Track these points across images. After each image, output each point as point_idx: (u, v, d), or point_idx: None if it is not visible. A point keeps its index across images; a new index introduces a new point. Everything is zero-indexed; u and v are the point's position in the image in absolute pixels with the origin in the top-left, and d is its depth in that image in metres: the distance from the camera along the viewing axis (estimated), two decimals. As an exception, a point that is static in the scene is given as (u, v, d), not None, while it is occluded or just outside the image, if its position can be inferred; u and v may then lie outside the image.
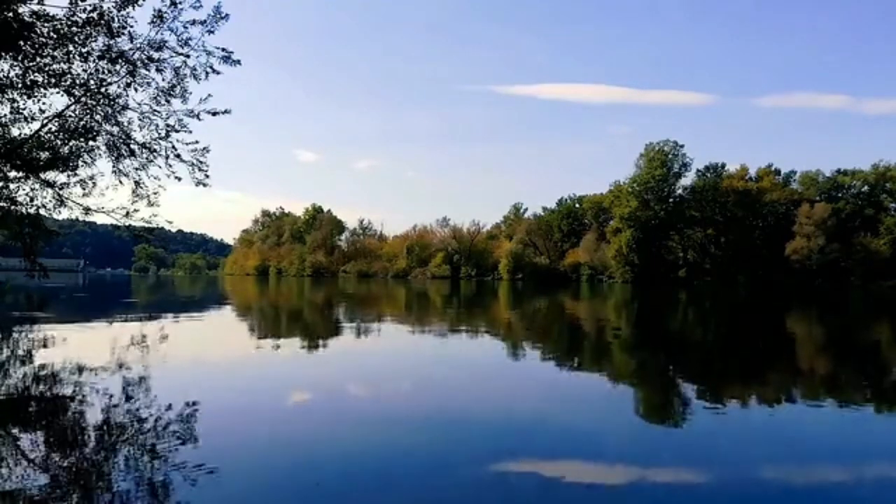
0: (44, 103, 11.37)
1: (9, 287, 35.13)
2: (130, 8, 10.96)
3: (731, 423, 6.67)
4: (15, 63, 10.67)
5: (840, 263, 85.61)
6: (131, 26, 11.13)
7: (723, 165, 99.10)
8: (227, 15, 11.56)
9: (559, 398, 7.95)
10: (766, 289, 63.32)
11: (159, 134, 12.16)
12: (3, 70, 10.75)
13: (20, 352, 11.18)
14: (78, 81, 11.32)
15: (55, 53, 10.88)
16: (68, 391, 7.38)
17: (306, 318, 22.45)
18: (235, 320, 21.65)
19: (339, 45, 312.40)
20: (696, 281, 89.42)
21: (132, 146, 12.30)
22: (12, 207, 12.21)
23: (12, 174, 11.94)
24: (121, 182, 12.52)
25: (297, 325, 19.36)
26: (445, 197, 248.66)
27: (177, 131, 12.17)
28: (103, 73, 11.47)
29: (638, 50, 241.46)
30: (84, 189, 12.58)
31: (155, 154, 12.29)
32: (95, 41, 11.04)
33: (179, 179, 12.47)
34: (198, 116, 12.07)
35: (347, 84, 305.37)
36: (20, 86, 10.89)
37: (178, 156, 12.26)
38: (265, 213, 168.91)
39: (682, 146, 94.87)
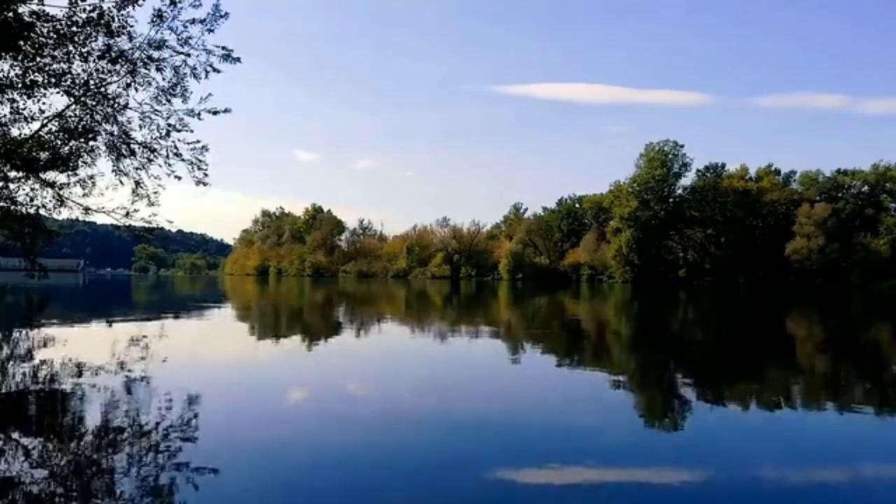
0: (44, 103, 11.37)
1: (8, 288, 35.11)
2: (130, 8, 10.96)
3: (732, 422, 6.67)
4: (15, 63, 10.67)
5: (840, 263, 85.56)
6: (131, 26, 11.15)
7: (723, 165, 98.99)
8: (226, 14, 11.59)
9: (559, 398, 7.93)
10: (766, 289, 63.28)
11: (160, 133, 12.16)
12: (3, 70, 10.76)
13: (20, 352, 11.16)
14: (78, 81, 11.32)
15: (55, 53, 10.87)
16: (68, 391, 7.37)
17: (306, 318, 22.44)
18: (236, 320, 21.63)
19: (338, 44, 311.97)
20: (695, 281, 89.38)
21: (132, 146, 12.31)
22: (12, 207, 12.20)
23: (12, 174, 11.93)
24: (121, 182, 12.53)
25: (297, 325, 19.35)
26: (445, 197, 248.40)
27: (178, 130, 12.18)
28: (103, 72, 11.47)
29: (636, 49, 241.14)
30: (84, 189, 12.57)
31: (155, 153, 12.29)
32: (95, 41, 11.05)
33: (179, 179, 12.48)
34: (198, 116, 12.08)
35: (347, 84, 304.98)
36: (20, 86, 10.88)
37: (178, 154, 12.26)
38: (265, 213, 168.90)
39: (681, 146, 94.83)
